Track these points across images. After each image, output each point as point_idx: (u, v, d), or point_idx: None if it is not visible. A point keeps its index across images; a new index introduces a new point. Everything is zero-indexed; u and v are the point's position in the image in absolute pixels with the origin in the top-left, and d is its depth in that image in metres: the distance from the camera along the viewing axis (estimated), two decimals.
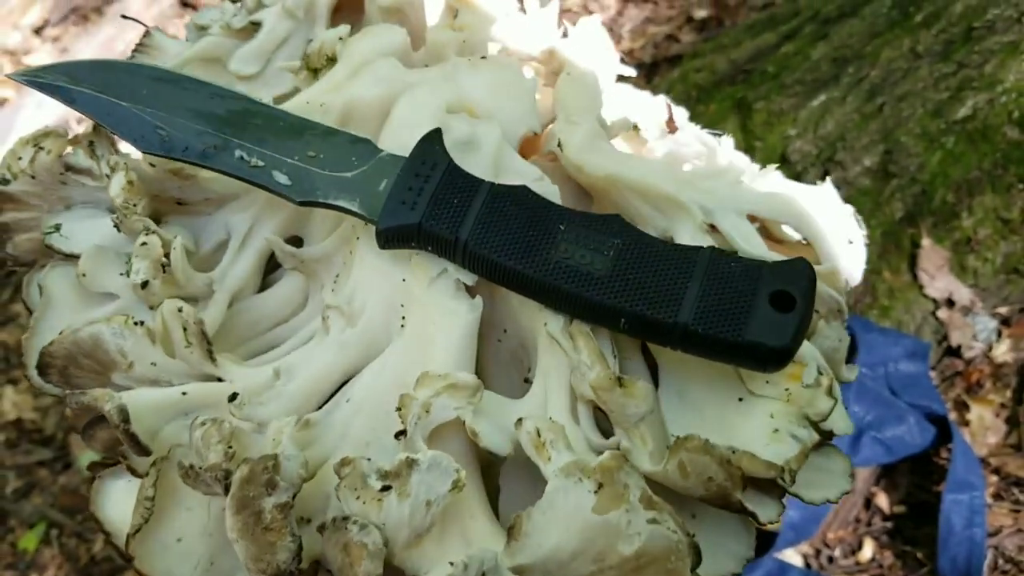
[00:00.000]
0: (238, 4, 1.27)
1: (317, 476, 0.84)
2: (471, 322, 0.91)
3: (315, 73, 1.14)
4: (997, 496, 2.29)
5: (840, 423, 0.94)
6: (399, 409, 0.83)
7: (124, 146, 1.08)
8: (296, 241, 1.08)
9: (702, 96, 2.93)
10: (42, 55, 4.16)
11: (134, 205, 0.98)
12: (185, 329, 0.90)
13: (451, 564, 0.75)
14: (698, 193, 1.05)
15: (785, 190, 1.16)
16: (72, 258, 1.03)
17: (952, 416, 2.36)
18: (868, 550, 2.31)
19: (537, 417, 0.83)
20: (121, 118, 0.99)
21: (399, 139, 1.01)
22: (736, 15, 3.58)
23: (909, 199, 2.44)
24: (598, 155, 1.04)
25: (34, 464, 2.88)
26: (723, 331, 0.84)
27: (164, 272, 0.95)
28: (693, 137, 1.20)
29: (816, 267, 1.04)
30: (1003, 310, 2.39)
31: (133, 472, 0.88)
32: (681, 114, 1.29)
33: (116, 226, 1.01)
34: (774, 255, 1.04)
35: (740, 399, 0.92)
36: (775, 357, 0.84)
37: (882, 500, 2.36)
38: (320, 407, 0.92)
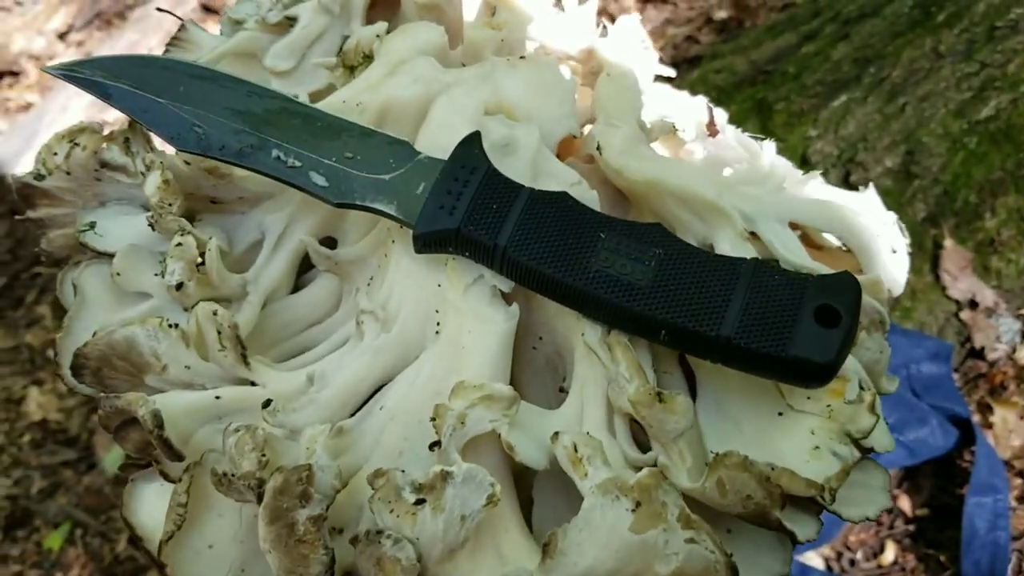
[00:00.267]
0: None
1: (350, 485, 0.83)
2: (507, 330, 0.90)
3: (351, 71, 1.13)
4: (1021, 499, 2.28)
5: (882, 440, 0.92)
6: (434, 419, 0.82)
7: (158, 142, 1.07)
8: (330, 241, 1.07)
9: (722, 97, 2.91)
10: (66, 60, 4.18)
11: (169, 205, 0.97)
12: (219, 332, 0.89)
13: None
14: (739, 199, 1.03)
15: (828, 196, 1.13)
16: (106, 256, 1.02)
17: (975, 418, 2.35)
18: (890, 553, 2.29)
19: (574, 432, 0.82)
20: (158, 115, 0.98)
21: (437, 141, 0.99)
22: (756, 16, 3.56)
23: (931, 200, 2.42)
24: (638, 159, 1.02)
25: (59, 464, 2.91)
26: (766, 345, 0.82)
27: (199, 273, 0.94)
28: (734, 140, 1.17)
29: (859, 277, 1.02)
30: None
31: (165, 477, 0.88)
32: (721, 116, 1.27)
33: (151, 225, 1.00)
34: (816, 264, 1.01)
35: (780, 413, 0.90)
36: (819, 373, 0.82)
37: (904, 503, 2.34)
38: (354, 414, 0.91)
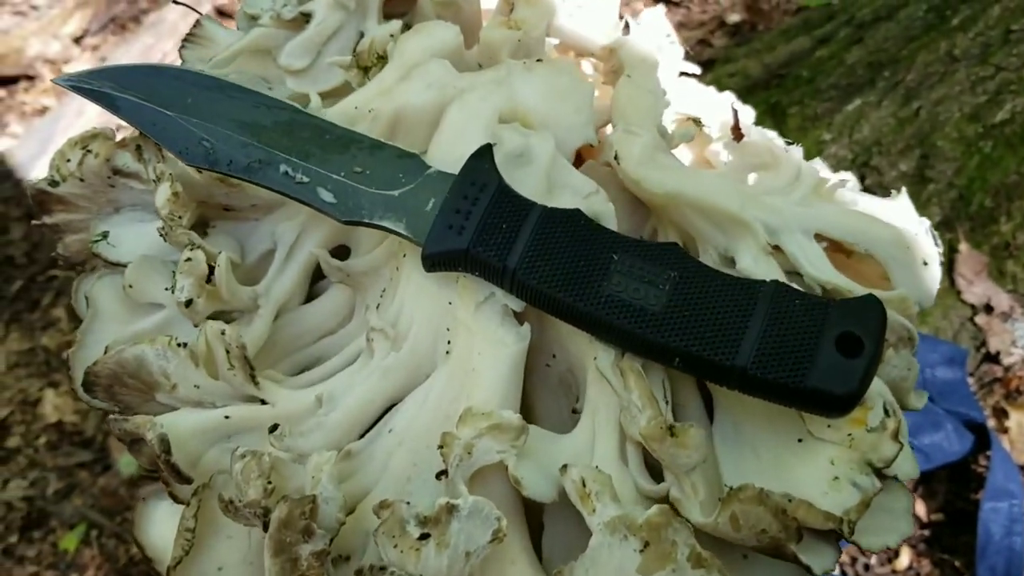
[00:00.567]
0: None
1: (356, 511, 0.82)
2: (518, 352, 0.88)
3: (366, 71, 1.10)
4: None
5: (905, 466, 0.89)
6: (441, 447, 0.81)
7: None
8: (343, 250, 1.05)
9: None
10: (81, 64, 4.19)
11: (179, 218, 0.96)
12: (228, 352, 0.88)
13: None
14: (763, 211, 0.99)
15: (859, 203, 1.09)
16: (119, 267, 1.02)
17: (991, 423, 2.33)
18: (905, 558, 2.28)
19: (583, 465, 0.80)
20: (165, 129, 0.96)
21: (449, 150, 0.97)
22: (769, 20, 3.48)
23: (946, 204, 2.40)
24: (657, 170, 0.99)
25: (74, 466, 2.94)
26: (784, 376, 0.79)
27: (208, 287, 0.93)
28: (760, 144, 1.13)
29: (886, 293, 0.98)
30: None
31: (175, 498, 0.88)
32: (748, 115, 1.22)
33: (162, 236, 0.99)
34: (841, 280, 0.98)
35: (800, 440, 0.88)
36: (839, 404, 0.79)
37: (920, 508, 2.32)
38: (362, 435, 0.90)
